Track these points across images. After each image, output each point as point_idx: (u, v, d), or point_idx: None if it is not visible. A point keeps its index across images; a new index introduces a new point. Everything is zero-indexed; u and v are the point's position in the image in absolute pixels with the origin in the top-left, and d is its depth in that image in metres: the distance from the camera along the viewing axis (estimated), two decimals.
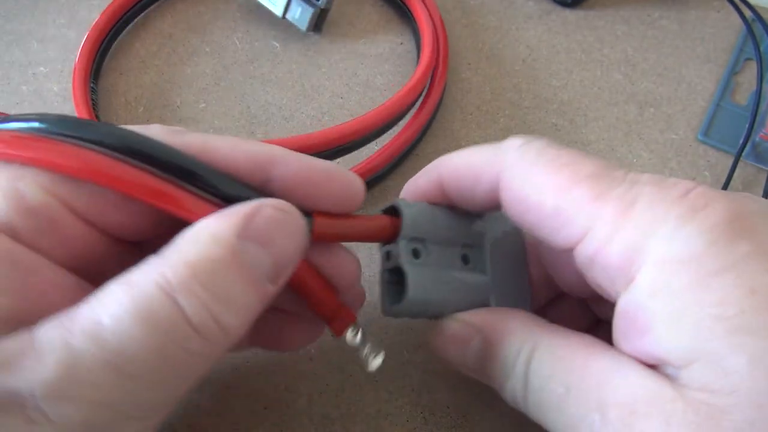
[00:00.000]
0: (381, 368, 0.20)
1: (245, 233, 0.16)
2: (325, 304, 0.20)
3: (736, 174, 0.32)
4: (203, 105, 0.34)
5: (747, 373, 0.15)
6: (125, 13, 0.35)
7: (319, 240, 0.19)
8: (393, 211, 0.21)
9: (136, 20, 0.36)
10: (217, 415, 0.24)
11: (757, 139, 0.33)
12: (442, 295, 0.21)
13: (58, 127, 0.17)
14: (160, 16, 0.37)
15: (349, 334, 0.20)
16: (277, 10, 0.35)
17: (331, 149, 0.28)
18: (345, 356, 0.26)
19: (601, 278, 0.18)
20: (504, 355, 0.20)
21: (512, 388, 0.20)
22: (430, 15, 0.35)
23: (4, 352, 0.14)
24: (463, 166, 0.21)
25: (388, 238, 0.21)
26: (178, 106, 0.34)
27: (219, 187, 0.18)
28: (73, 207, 0.17)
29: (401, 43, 0.37)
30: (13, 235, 0.16)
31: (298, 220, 0.18)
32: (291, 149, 0.21)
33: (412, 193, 0.23)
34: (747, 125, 0.33)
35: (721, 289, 0.16)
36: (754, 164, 0.33)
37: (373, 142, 0.30)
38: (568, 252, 0.19)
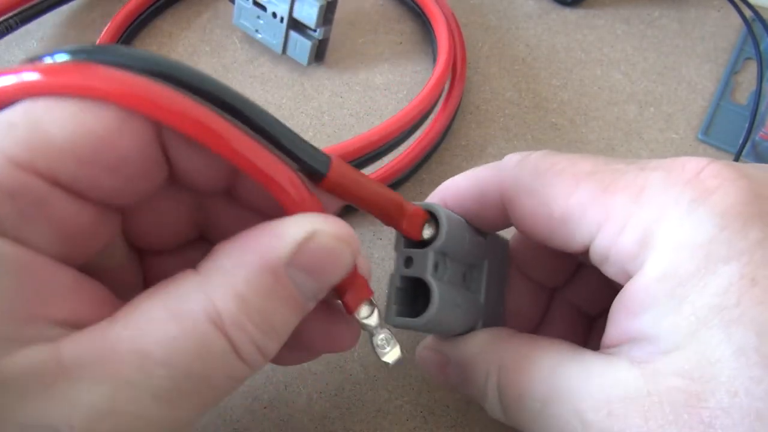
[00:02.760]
0: (384, 368, 0.20)
1: (295, 261, 0.15)
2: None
3: None
4: None
5: (729, 363, 0.15)
6: (134, 21, 0.35)
7: (330, 190, 0.17)
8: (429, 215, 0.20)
9: (137, 21, 0.36)
10: (217, 415, 0.24)
11: (757, 138, 0.33)
12: (451, 314, 0.20)
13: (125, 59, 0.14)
14: (159, 16, 0.37)
15: (363, 311, 0.18)
16: (276, 48, 0.35)
17: (365, 155, 0.28)
18: (345, 356, 0.26)
19: (616, 273, 0.18)
20: (474, 380, 0.20)
21: (491, 409, 0.20)
22: (445, 15, 0.35)
23: (28, 370, 0.12)
24: (466, 190, 0.21)
25: (401, 226, 0.19)
26: None
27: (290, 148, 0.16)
28: (58, 180, 0.14)
29: (400, 43, 0.37)
30: None
31: (353, 248, 0.16)
32: None
33: None
34: (747, 125, 0.33)
35: (725, 278, 0.16)
36: (754, 164, 0.33)
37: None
38: (585, 256, 0.19)
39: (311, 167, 0.16)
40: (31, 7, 0.34)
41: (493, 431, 0.25)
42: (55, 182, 0.14)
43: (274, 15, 0.33)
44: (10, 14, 0.33)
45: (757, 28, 0.36)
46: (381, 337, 0.18)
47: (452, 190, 0.21)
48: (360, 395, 0.25)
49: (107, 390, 0.13)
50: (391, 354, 0.18)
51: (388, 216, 0.19)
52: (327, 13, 0.32)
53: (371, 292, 0.18)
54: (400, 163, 0.30)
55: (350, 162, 0.26)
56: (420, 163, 0.31)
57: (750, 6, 0.37)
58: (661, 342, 0.16)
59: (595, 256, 0.18)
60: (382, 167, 0.30)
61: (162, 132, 0.15)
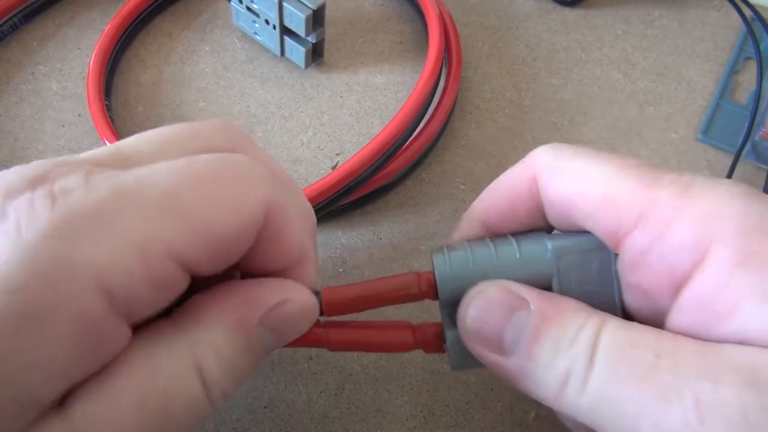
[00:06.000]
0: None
1: (264, 321, 0.18)
2: (404, 343, 0.21)
3: (735, 173, 0.32)
4: (203, 104, 0.34)
5: None
6: (134, 20, 0.35)
7: (338, 311, 0.20)
8: None
9: (137, 21, 0.36)
10: (217, 415, 0.24)
11: (757, 138, 0.33)
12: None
13: None
14: (159, 15, 0.37)
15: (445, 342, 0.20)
16: (275, 51, 0.35)
17: (374, 164, 0.28)
18: (345, 356, 0.26)
19: (655, 273, 0.17)
20: (561, 331, 0.17)
21: (567, 368, 0.16)
22: (440, 14, 0.35)
23: None
24: (496, 189, 0.21)
25: (426, 293, 0.20)
26: (177, 105, 0.34)
27: None
28: (185, 263, 0.16)
29: (400, 42, 0.37)
30: (112, 301, 0.15)
31: (314, 316, 0.19)
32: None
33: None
34: (747, 124, 0.33)
35: None
36: (753, 163, 0.33)
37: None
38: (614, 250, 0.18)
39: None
40: (33, 3, 0.36)
41: (494, 431, 0.25)
42: (184, 265, 0.16)
43: (267, 22, 0.33)
44: (14, 12, 0.35)
45: (757, 28, 0.36)
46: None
47: (481, 201, 0.21)
48: (360, 395, 0.25)
49: None
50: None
51: (407, 293, 0.20)
52: (315, 19, 0.32)
53: (440, 326, 0.20)
54: (395, 162, 0.30)
55: (352, 179, 0.27)
56: (417, 163, 0.31)
57: (750, 6, 0.37)
58: (766, 339, 0.15)
59: (630, 253, 0.17)
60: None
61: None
